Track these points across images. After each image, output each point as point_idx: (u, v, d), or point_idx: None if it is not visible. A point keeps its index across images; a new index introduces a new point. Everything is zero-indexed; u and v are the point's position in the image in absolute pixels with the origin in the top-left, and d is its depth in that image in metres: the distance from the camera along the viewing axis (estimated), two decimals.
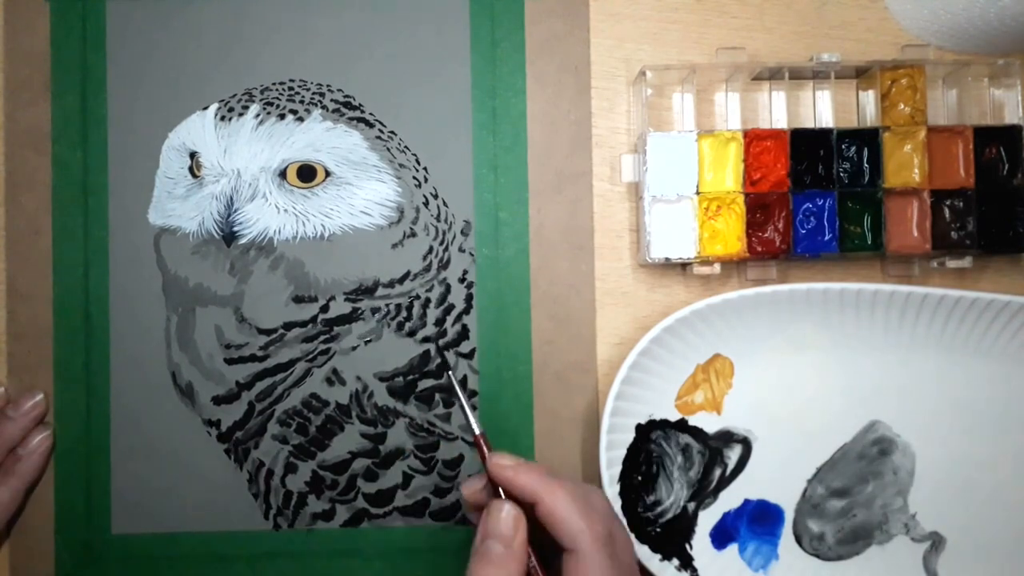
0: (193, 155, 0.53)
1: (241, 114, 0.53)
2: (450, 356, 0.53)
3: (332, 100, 0.53)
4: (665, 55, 0.55)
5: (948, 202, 0.53)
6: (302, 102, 0.53)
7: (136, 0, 0.53)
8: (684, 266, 0.54)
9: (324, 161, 0.53)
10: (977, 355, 0.53)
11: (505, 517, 0.44)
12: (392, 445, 0.53)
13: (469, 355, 0.53)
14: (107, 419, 0.53)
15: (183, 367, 0.53)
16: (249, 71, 0.53)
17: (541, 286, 0.53)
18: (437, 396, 0.53)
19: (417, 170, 0.53)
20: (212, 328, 0.53)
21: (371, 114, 0.53)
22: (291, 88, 0.53)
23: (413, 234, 0.53)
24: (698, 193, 0.52)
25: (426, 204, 0.53)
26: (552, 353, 0.53)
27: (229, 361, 0.53)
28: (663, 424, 0.52)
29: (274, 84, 0.53)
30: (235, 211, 0.53)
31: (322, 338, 0.53)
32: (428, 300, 0.53)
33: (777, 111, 0.54)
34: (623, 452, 0.51)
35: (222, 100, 0.53)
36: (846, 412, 0.53)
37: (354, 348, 0.53)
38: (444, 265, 0.53)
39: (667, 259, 0.52)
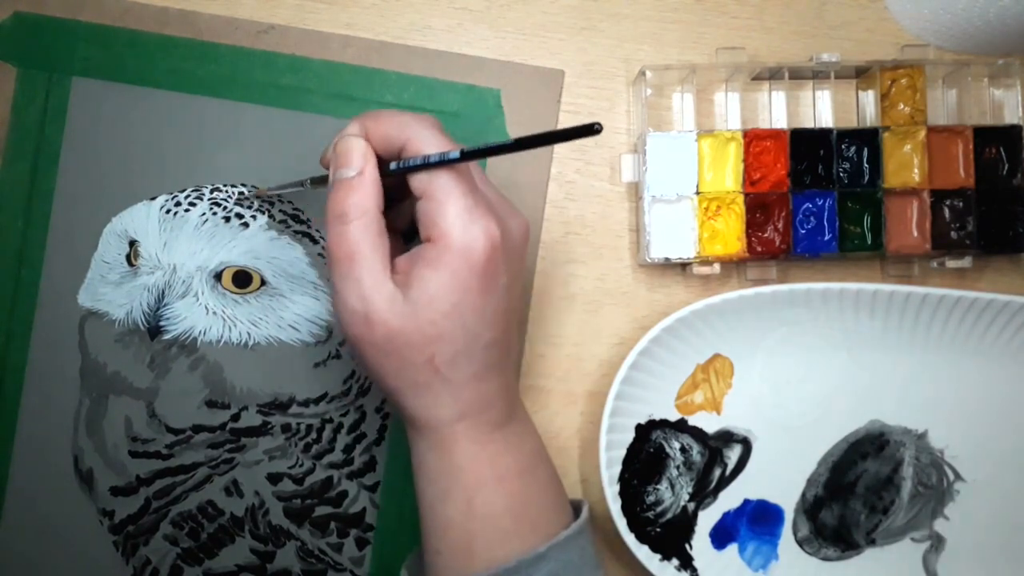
0: (133, 243, 0.52)
1: (187, 210, 0.52)
2: (351, 485, 0.53)
3: (280, 211, 0.52)
4: (665, 55, 0.55)
5: (948, 202, 0.53)
6: (250, 207, 0.52)
7: (103, 81, 0.52)
8: (684, 266, 0.54)
9: (262, 270, 0.52)
10: (977, 355, 0.53)
11: (350, 143, 0.42)
12: (280, 566, 0.52)
13: (372, 488, 0.53)
14: (2, 494, 0.52)
15: (87, 453, 0.52)
16: (203, 169, 0.52)
17: None
18: (332, 524, 0.52)
19: None
20: (122, 418, 0.52)
21: (317, 231, 0.52)
22: (241, 192, 0.52)
23: (338, 356, 0.53)
24: (698, 193, 0.52)
25: None
26: None
27: (133, 454, 0.52)
28: (663, 424, 0.52)
29: (225, 185, 0.52)
30: (164, 305, 0.52)
31: (228, 447, 0.52)
32: (340, 425, 0.53)
33: (777, 111, 0.54)
34: (623, 452, 0.51)
35: (171, 193, 0.52)
36: (846, 412, 0.53)
37: (257, 462, 0.52)
38: (364, 392, 0.53)
39: (667, 259, 0.52)
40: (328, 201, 0.42)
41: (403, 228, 0.47)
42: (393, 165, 0.42)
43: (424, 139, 0.41)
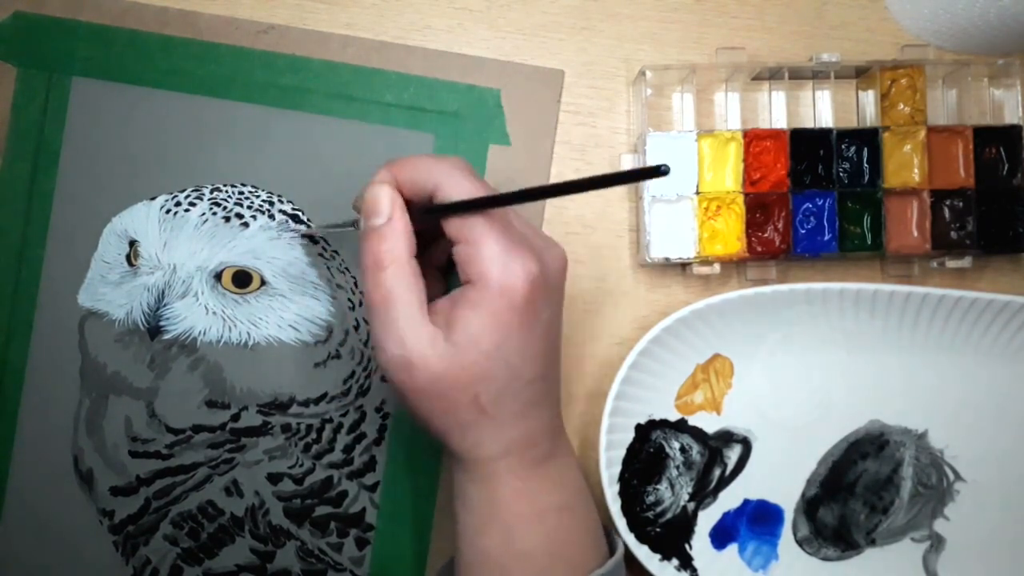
0: (132, 243, 0.52)
1: (187, 210, 0.52)
2: (351, 485, 0.53)
3: (280, 211, 0.52)
4: (665, 55, 0.55)
5: (948, 202, 0.53)
6: (250, 207, 0.52)
7: (103, 81, 0.52)
8: (684, 266, 0.54)
9: (262, 270, 0.52)
10: (977, 355, 0.53)
11: (377, 192, 0.42)
12: (280, 566, 0.52)
13: (372, 488, 0.53)
14: (2, 494, 0.52)
15: (87, 453, 0.52)
16: (203, 169, 0.52)
17: None
18: (332, 524, 0.52)
19: (354, 293, 0.52)
20: (122, 418, 0.52)
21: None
22: (241, 192, 0.52)
23: (338, 356, 0.53)
24: (698, 193, 0.52)
25: (356, 328, 0.52)
26: None
27: (133, 454, 0.52)
28: (663, 424, 0.52)
29: (225, 185, 0.52)
30: (164, 305, 0.52)
31: (228, 447, 0.52)
32: (340, 425, 0.53)
33: (777, 111, 0.54)
34: (623, 452, 0.51)
35: (171, 193, 0.52)
36: (846, 412, 0.53)
37: (257, 462, 0.52)
38: (364, 392, 0.53)
39: (667, 259, 0.52)
40: (360, 250, 0.42)
41: (440, 264, 0.47)
42: (435, 208, 0.42)
43: (453, 181, 0.42)
